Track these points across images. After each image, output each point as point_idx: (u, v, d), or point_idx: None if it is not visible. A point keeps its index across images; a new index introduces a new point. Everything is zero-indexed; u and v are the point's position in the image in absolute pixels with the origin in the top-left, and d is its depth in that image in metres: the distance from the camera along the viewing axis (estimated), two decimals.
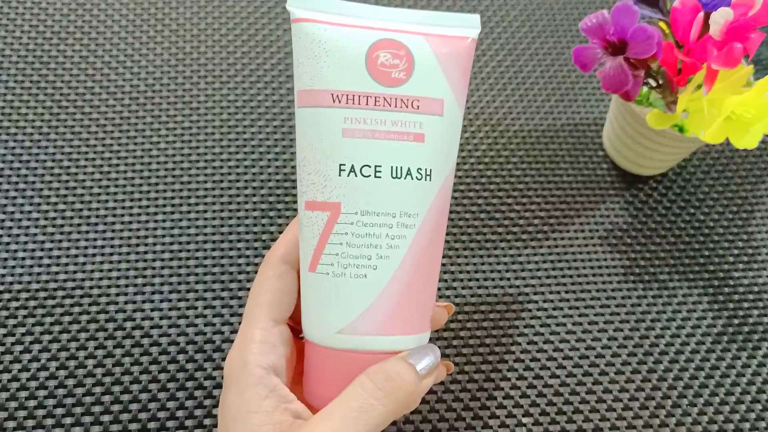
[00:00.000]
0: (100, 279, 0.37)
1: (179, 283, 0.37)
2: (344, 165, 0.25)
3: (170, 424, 0.34)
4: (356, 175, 0.25)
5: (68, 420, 0.33)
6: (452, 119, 0.27)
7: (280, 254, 0.28)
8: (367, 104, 0.25)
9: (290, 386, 0.27)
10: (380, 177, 0.25)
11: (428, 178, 0.26)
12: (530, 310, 0.39)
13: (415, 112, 0.26)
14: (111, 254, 0.38)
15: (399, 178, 0.26)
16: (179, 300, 0.37)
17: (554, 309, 0.39)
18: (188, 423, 0.34)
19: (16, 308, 0.36)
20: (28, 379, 0.34)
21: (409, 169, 0.26)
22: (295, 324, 0.29)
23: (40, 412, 0.33)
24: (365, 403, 0.24)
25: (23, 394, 0.34)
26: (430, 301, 0.28)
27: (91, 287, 0.37)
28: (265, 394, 0.25)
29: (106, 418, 0.33)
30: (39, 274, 0.37)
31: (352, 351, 0.26)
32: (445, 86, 0.26)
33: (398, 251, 0.26)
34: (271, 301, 0.27)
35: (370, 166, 0.25)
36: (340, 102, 0.25)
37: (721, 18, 0.31)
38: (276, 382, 0.25)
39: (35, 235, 0.38)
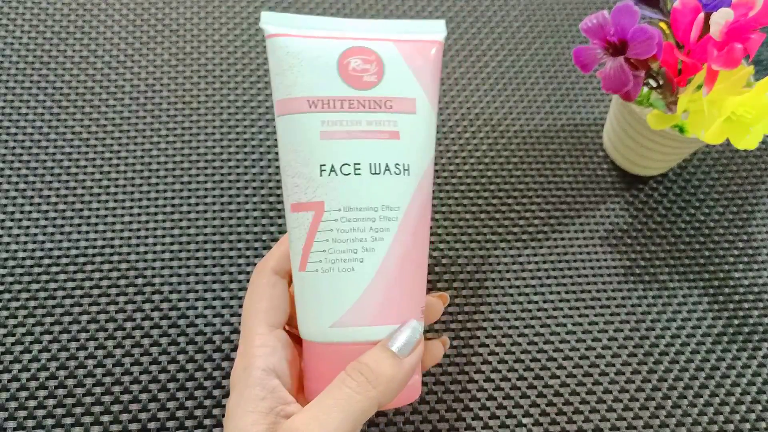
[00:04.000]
0: (101, 279, 0.37)
1: (179, 284, 0.37)
2: (324, 165, 0.27)
3: (170, 424, 0.34)
4: (337, 174, 0.26)
5: (68, 420, 0.33)
6: (425, 116, 0.28)
7: (272, 265, 0.29)
8: (342, 107, 0.27)
9: (296, 391, 0.28)
10: (360, 174, 0.27)
11: (406, 172, 0.27)
12: (530, 311, 0.39)
13: (389, 112, 0.27)
14: (111, 254, 0.38)
15: (378, 174, 0.27)
16: (179, 300, 0.37)
17: (554, 309, 0.39)
18: (188, 423, 0.34)
19: (17, 308, 0.36)
20: (28, 380, 0.34)
21: (387, 164, 0.27)
22: (294, 330, 0.29)
23: (40, 413, 0.33)
24: (344, 395, 0.24)
25: (23, 394, 0.34)
26: (419, 289, 0.28)
27: (91, 287, 0.37)
28: (263, 396, 0.25)
29: (106, 418, 0.33)
30: (39, 274, 0.37)
31: (345, 344, 0.26)
32: (416, 86, 0.28)
33: (383, 243, 0.27)
34: (267, 308, 0.28)
35: (349, 165, 0.27)
36: (316, 107, 0.27)
37: (721, 18, 0.31)
38: (275, 384, 0.26)
39: (35, 235, 0.38)
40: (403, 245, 0.27)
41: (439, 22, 0.29)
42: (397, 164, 0.27)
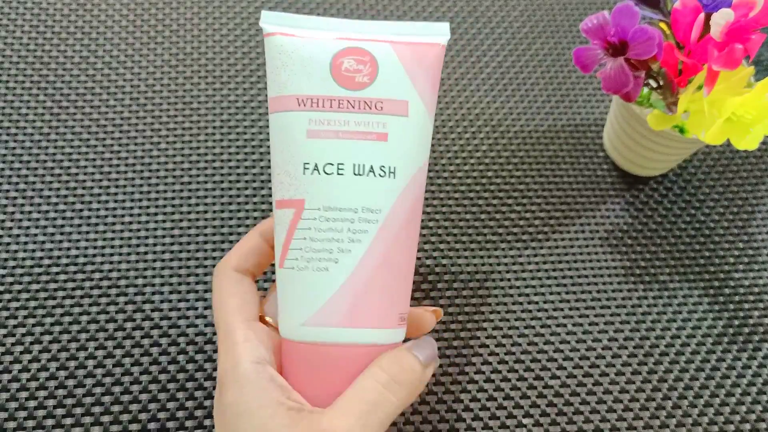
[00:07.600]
0: (101, 280, 0.37)
1: (180, 284, 0.37)
2: (308, 164, 0.27)
3: (170, 425, 0.34)
4: (320, 173, 0.27)
5: (68, 420, 0.33)
6: (418, 120, 0.28)
7: (233, 265, 0.29)
8: (330, 107, 0.27)
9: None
10: (342, 174, 0.26)
11: (392, 175, 0.27)
12: (531, 311, 0.39)
13: (379, 113, 0.27)
14: (111, 255, 0.38)
15: (361, 175, 0.27)
16: (180, 301, 0.37)
17: (554, 310, 0.39)
18: (188, 424, 0.34)
19: (17, 309, 0.36)
20: (28, 380, 0.34)
21: (371, 166, 0.27)
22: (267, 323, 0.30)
23: (41, 413, 0.33)
24: (380, 396, 0.25)
25: (23, 394, 0.34)
26: (399, 296, 0.28)
27: (91, 288, 0.37)
28: (266, 386, 0.25)
29: (106, 418, 0.33)
30: (39, 274, 0.37)
31: (316, 343, 0.26)
32: (411, 89, 0.27)
33: (360, 245, 0.26)
34: (239, 303, 0.28)
35: (333, 164, 0.27)
36: (305, 105, 0.27)
37: (722, 19, 0.31)
38: (272, 372, 0.26)
39: (35, 235, 0.38)
40: (383, 249, 0.27)
41: (443, 24, 0.29)
42: (383, 166, 0.27)
